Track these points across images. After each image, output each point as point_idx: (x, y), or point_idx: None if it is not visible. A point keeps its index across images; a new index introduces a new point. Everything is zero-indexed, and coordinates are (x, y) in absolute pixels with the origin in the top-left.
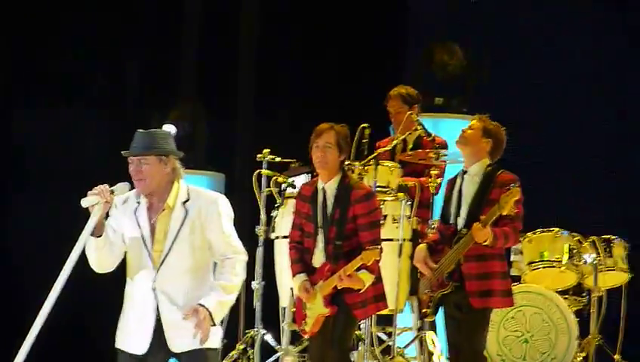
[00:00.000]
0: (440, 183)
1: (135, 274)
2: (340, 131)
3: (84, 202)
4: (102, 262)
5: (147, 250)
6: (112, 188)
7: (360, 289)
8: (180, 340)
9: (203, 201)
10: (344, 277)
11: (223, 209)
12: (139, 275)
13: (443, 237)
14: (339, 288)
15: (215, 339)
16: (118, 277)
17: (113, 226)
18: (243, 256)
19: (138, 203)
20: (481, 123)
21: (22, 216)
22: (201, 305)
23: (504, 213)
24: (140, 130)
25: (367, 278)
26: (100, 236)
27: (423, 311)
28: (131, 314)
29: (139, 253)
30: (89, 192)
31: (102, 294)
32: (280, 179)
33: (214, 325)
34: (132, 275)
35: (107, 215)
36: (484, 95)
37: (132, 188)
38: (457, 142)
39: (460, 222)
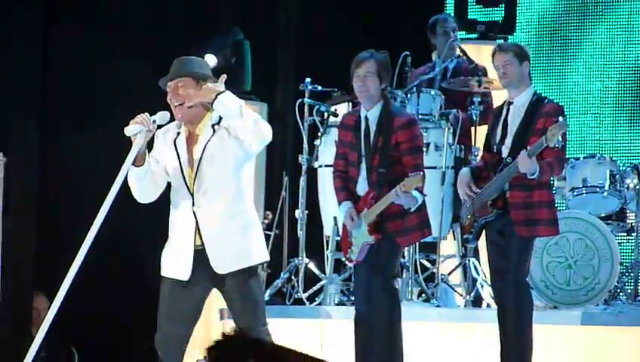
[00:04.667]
0: (482, 110)
1: (177, 201)
2: (379, 60)
3: (128, 131)
4: (144, 192)
5: (183, 178)
6: (153, 117)
7: (410, 209)
8: (223, 260)
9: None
10: (400, 193)
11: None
12: (180, 202)
13: (487, 164)
14: (392, 208)
15: (258, 255)
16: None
17: (156, 157)
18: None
19: (178, 133)
20: (508, 53)
21: (67, 150)
22: None
23: (550, 145)
24: (178, 58)
25: (419, 197)
26: (141, 165)
27: (465, 236)
28: (174, 239)
29: (178, 182)
30: (131, 121)
31: (149, 224)
32: (322, 108)
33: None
34: (174, 203)
35: (150, 145)
36: (525, 19)
37: (172, 118)
38: (503, 84)
39: (505, 150)
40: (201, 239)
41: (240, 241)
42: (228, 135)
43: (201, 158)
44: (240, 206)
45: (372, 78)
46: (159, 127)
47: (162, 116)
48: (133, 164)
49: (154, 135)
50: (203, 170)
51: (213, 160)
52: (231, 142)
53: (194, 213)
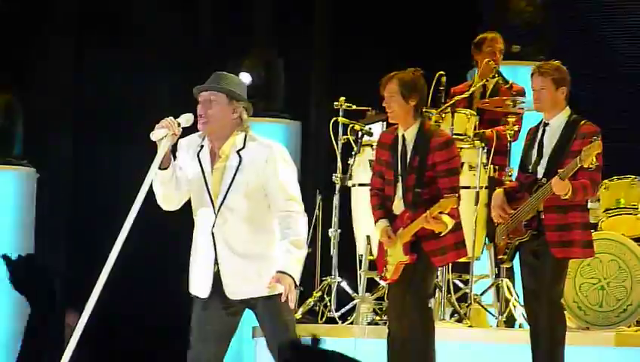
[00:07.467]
0: (517, 131)
1: (198, 217)
2: (402, 78)
3: (154, 135)
4: (168, 198)
5: (208, 194)
6: (178, 119)
7: (441, 233)
8: (236, 288)
9: (257, 148)
10: (430, 219)
11: (278, 155)
12: (201, 219)
13: (522, 185)
14: (427, 228)
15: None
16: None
17: (179, 165)
18: (302, 210)
19: (202, 146)
20: (547, 77)
21: (101, 166)
22: (281, 272)
23: (585, 166)
24: (218, 72)
25: (449, 221)
26: (167, 168)
27: (499, 257)
28: (195, 257)
29: (201, 196)
30: (157, 125)
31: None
32: (357, 127)
33: (297, 286)
34: (196, 218)
35: (174, 151)
36: (562, 41)
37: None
38: (535, 109)
39: (540, 171)
40: (217, 264)
41: (256, 270)
42: (252, 171)
43: (222, 183)
44: (260, 235)
45: (396, 98)
46: (184, 130)
47: (187, 118)
48: (159, 167)
49: (177, 141)
50: (228, 197)
51: (235, 187)
52: (255, 178)
53: (212, 234)
